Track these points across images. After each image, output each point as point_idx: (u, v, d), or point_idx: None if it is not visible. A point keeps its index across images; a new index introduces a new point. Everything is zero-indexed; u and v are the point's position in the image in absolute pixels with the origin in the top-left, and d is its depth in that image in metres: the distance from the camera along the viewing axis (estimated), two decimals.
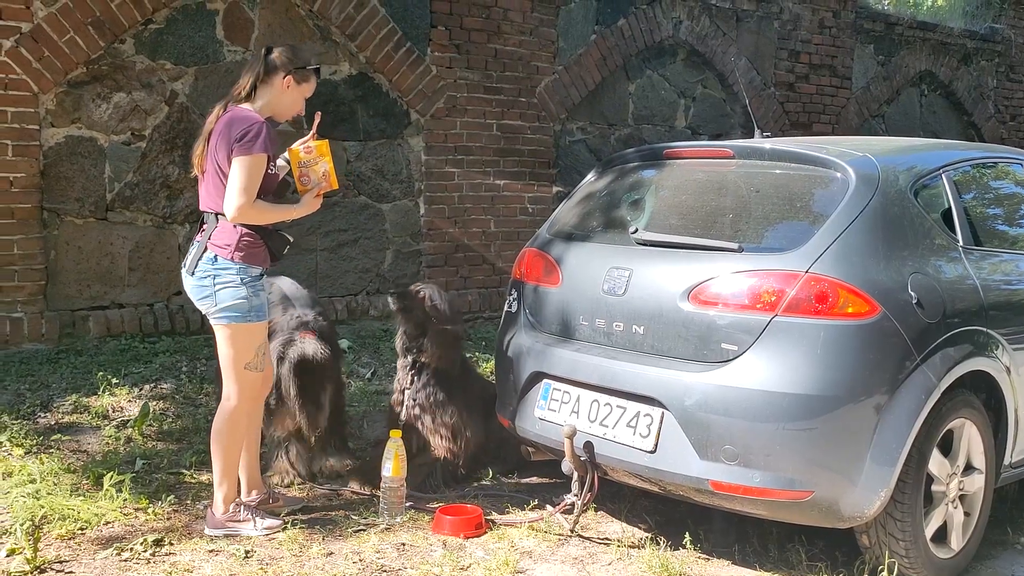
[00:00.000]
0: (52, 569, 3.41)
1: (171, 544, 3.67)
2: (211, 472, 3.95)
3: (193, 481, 4.37)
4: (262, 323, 3.76)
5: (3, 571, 3.34)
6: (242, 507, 3.78)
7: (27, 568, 3.36)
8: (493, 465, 4.61)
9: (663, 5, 8.64)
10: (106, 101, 6.17)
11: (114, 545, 3.60)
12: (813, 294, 3.29)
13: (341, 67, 7.06)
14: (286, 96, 3.80)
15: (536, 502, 4.20)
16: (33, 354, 5.77)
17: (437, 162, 7.54)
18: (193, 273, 3.67)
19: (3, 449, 4.48)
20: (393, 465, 3.98)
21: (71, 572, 3.40)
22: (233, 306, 3.66)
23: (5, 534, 3.64)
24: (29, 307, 5.92)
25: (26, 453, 4.47)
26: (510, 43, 7.81)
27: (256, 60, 3.80)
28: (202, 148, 3.72)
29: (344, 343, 6.79)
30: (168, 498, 4.09)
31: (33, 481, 4.10)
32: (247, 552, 3.60)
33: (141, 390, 5.57)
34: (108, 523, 3.84)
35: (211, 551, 3.62)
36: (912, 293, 3.37)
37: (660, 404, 3.51)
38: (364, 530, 3.89)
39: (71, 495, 4.02)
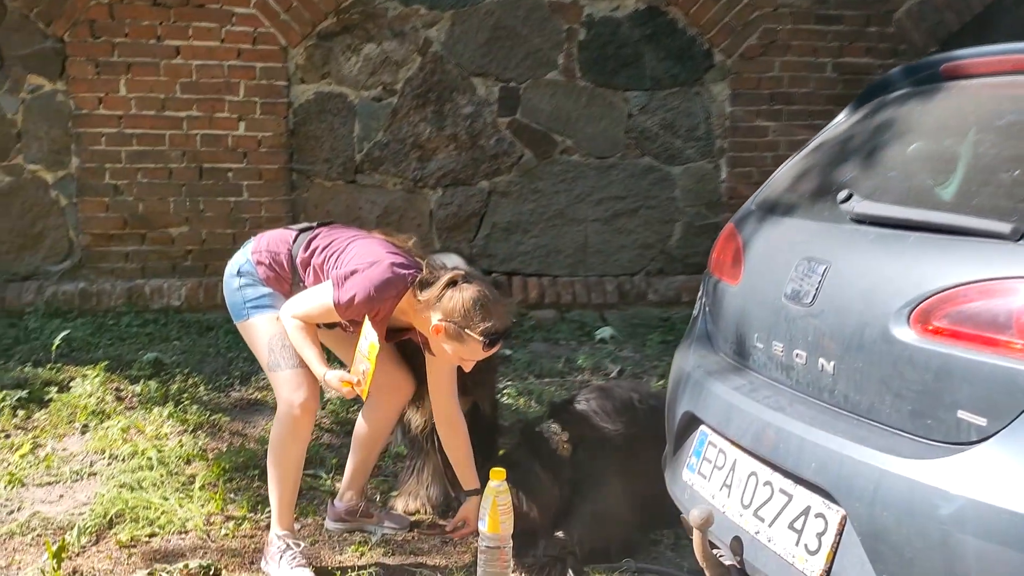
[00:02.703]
0: None
1: (220, 573, 2.98)
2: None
3: (325, 489, 3.67)
4: (268, 314, 3.00)
5: None
6: (286, 542, 2.96)
7: None
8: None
9: None
10: (356, 53, 5.72)
11: (158, 563, 3.00)
12: None
13: (625, 1, 5.90)
14: (461, 346, 2.84)
15: None
16: None
17: (746, 114, 6.08)
18: None
19: (158, 423, 4.16)
20: (491, 518, 2.89)
21: None
22: (230, 300, 3.05)
23: (69, 528, 3.21)
24: None
25: (181, 432, 4.11)
26: None
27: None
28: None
29: (606, 331, 5.75)
30: (266, 509, 3.43)
31: (144, 468, 3.69)
32: None
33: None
34: (183, 532, 3.27)
35: None
36: None
37: (838, 503, 2.01)
38: None
39: (173, 491, 3.52)
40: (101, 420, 4.19)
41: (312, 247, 2.96)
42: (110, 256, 5.63)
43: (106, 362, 4.79)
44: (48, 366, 4.75)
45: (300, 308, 2.87)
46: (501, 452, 3.79)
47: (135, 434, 4.06)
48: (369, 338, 2.81)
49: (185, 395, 4.52)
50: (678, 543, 3.24)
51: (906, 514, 1.85)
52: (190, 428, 4.15)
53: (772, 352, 2.38)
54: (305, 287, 2.96)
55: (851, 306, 2.12)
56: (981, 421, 1.81)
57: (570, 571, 2.94)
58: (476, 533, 3.05)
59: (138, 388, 4.56)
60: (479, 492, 3.14)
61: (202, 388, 4.65)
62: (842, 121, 2.89)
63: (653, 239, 6.15)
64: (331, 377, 2.85)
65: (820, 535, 2.05)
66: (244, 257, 3.02)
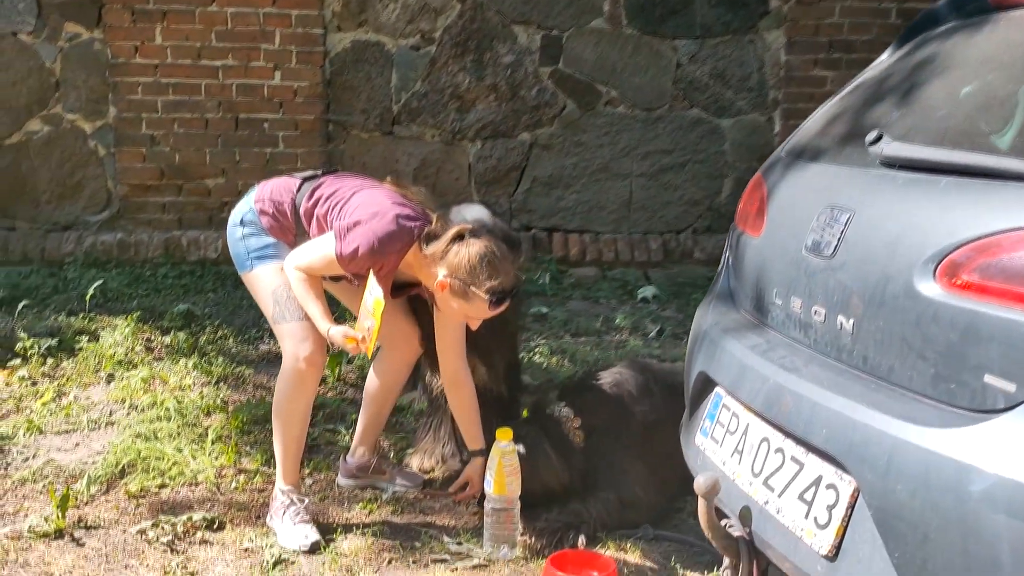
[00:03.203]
0: (70, 535, 2.86)
1: (223, 528, 2.93)
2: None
3: (342, 444, 3.59)
4: (271, 264, 2.88)
5: (28, 527, 2.87)
6: (290, 497, 2.89)
7: (47, 528, 2.85)
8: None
9: None
10: (394, 0, 5.55)
11: (163, 515, 2.96)
12: None
13: None
14: (467, 304, 2.72)
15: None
16: None
17: (803, 63, 5.77)
18: None
19: (182, 374, 4.13)
20: (497, 479, 2.77)
21: (84, 543, 2.82)
22: (234, 250, 2.97)
23: (80, 477, 3.19)
24: None
25: (204, 384, 4.08)
26: None
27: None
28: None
29: (648, 290, 5.55)
30: None
31: (161, 418, 3.65)
32: (277, 563, 2.72)
33: None
34: (193, 484, 3.22)
35: (245, 550, 2.80)
36: None
37: (850, 473, 1.83)
38: (447, 561, 2.76)
39: (188, 442, 3.48)
40: (127, 370, 4.17)
41: (316, 196, 2.84)
42: (147, 207, 5.63)
43: (139, 313, 4.78)
44: (81, 316, 4.76)
45: (303, 260, 2.76)
46: (524, 412, 3.67)
47: (158, 384, 4.04)
48: (374, 294, 2.69)
49: (212, 347, 4.49)
50: None
51: (922, 488, 1.66)
52: (213, 380, 4.11)
53: (791, 309, 2.18)
54: (309, 238, 2.85)
55: (874, 258, 1.92)
56: (1010, 387, 1.61)
57: (582, 537, 2.81)
58: (481, 495, 2.93)
59: (168, 339, 4.54)
60: (484, 453, 3.02)
61: (231, 340, 4.61)
62: (883, 61, 2.63)
63: (701, 195, 5.90)
64: (335, 333, 2.73)
65: (830, 508, 1.87)
66: (247, 206, 2.92)
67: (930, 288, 1.77)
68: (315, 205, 2.83)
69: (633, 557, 2.80)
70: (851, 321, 1.96)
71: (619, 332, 5.01)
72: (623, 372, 3.14)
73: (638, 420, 3.02)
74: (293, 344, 2.83)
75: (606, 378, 3.13)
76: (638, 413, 3.03)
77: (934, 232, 1.81)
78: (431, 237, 2.72)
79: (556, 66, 5.70)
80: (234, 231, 2.93)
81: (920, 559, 1.66)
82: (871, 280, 1.91)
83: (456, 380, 3.03)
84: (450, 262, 2.66)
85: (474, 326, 2.83)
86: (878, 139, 2.05)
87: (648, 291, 5.58)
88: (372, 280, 2.71)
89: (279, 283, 2.83)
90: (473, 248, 2.66)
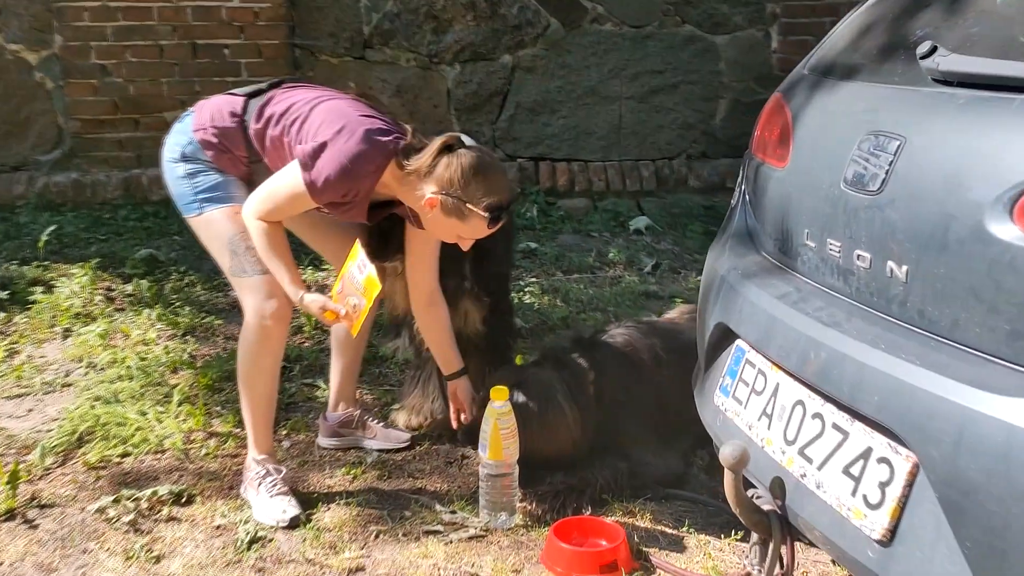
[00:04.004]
0: (22, 515, 2.59)
1: (192, 502, 2.67)
2: (360, 389, 3.18)
3: (323, 400, 3.32)
4: (226, 207, 2.52)
5: None
6: (265, 467, 2.62)
7: None
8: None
9: None
10: None
11: (126, 488, 2.69)
12: None
13: None
14: (461, 223, 2.41)
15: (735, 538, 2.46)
16: None
17: None
18: None
19: (146, 327, 3.82)
20: (493, 443, 2.51)
21: (38, 524, 2.55)
22: (176, 190, 2.57)
23: (34, 447, 2.91)
24: None
25: (169, 337, 3.78)
26: None
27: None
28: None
29: (642, 221, 5.27)
30: None
31: (123, 378, 3.36)
32: (252, 541, 2.46)
33: None
34: (159, 452, 2.95)
35: (217, 527, 2.55)
36: None
37: (908, 446, 1.57)
38: (440, 533, 2.52)
39: (153, 404, 3.20)
40: (85, 324, 3.87)
41: (266, 116, 2.47)
42: (103, 144, 5.24)
43: (97, 260, 4.46)
44: (35, 264, 4.43)
45: (264, 204, 2.42)
46: (519, 359, 3.41)
47: (119, 339, 3.74)
48: (366, 270, 2.38)
49: (178, 296, 4.19)
50: (712, 464, 2.84)
51: (1002, 467, 1.40)
52: (180, 332, 3.82)
53: (826, 252, 1.90)
54: (266, 167, 2.51)
55: (933, 194, 1.63)
56: None
57: (587, 502, 2.57)
58: (474, 424, 2.65)
59: (129, 288, 4.23)
60: (464, 373, 2.80)
61: (199, 287, 4.31)
62: None
63: (695, 118, 5.56)
64: (310, 303, 2.43)
65: (884, 485, 1.62)
66: (186, 137, 2.54)
67: (1006, 229, 1.49)
68: (266, 126, 2.47)
69: (642, 521, 2.56)
70: (904, 268, 1.68)
71: (613, 267, 4.74)
72: (634, 332, 2.86)
73: (652, 383, 2.75)
74: (256, 300, 2.53)
75: (618, 337, 2.86)
76: (652, 376, 2.76)
77: (1009, 163, 1.52)
78: (410, 151, 2.40)
79: None
80: (173, 169, 2.55)
81: (999, 549, 1.41)
82: (930, 220, 1.62)
83: (432, 300, 2.75)
84: (440, 176, 2.35)
85: (466, 247, 2.52)
86: (932, 51, 1.74)
87: (641, 222, 5.29)
88: (361, 253, 2.42)
89: (235, 230, 2.49)
90: (466, 159, 2.34)
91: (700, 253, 4.96)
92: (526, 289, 4.36)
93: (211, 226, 2.52)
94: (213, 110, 2.53)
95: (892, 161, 1.73)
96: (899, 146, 1.73)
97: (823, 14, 5.44)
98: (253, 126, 2.48)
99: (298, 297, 2.43)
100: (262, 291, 2.51)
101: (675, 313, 3.31)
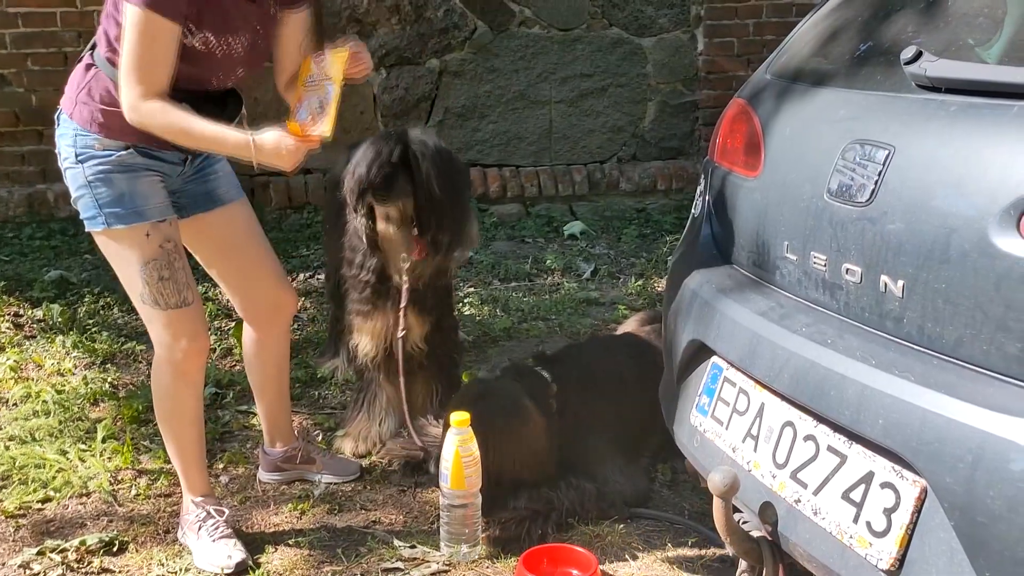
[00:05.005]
0: None
1: (124, 550, 2.45)
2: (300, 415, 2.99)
3: (260, 428, 3.10)
4: (137, 226, 2.21)
5: None
6: (205, 509, 2.42)
7: None
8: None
9: None
10: None
11: (50, 539, 2.46)
12: None
13: None
14: None
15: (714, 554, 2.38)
16: None
17: None
18: None
19: (60, 356, 3.55)
20: (454, 472, 2.37)
21: None
22: (78, 200, 2.24)
23: None
24: None
25: (87, 365, 3.52)
26: None
27: None
28: None
29: (576, 226, 5.19)
30: None
31: (39, 414, 3.10)
32: None
33: (295, 279, 4.46)
34: (84, 495, 2.72)
35: None
36: None
37: (916, 471, 1.50)
38: (400, 570, 2.36)
39: (73, 442, 2.95)
40: None
41: (101, 29, 2.18)
42: (4, 158, 4.88)
43: (2, 283, 4.14)
44: None
45: (133, 75, 2.04)
46: (465, 376, 3.27)
47: (32, 370, 3.47)
48: (325, 55, 2.16)
49: (94, 320, 3.91)
50: (676, 480, 2.76)
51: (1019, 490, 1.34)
52: (99, 360, 3.56)
53: (810, 266, 1.83)
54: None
55: (929, 205, 1.57)
56: None
57: (553, 528, 2.46)
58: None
59: (39, 313, 3.93)
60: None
61: (116, 310, 4.03)
62: None
63: (624, 121, 5.51)
64: (266, 141, 2.08)
65: (889, 512, 1.54)
66: (69, 129, 2.20)
67: (1013, 243, 1.43)
68: (107, 36, 2.15)
69: (611, 541, 2.46)
70: (900, 283, 1.61)
71: (550, 274, 4.64)
72: (598, 346, 2.77)
73: (614, 398, 2.65)
74: (168, 338, 2.29)
75: (582, 352, 2.76)
76: (614, 392, 2.66)
77: (1013, 173, 1.46)
78: None
79: None
80: (74, 176, 2.21)
81: None
82: (927, 232, 1.56)
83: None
84: None
85: None
86: (916, 57, 1.68)
87: (575, 227, 5.21)
88: (315, 56, 2.17)
89: (149, 255, 2.20)
90: None
91: (636, 257, 4.92)
92: (465, 300, 4.22)
93: (120, 245, 2.23)
94: (70, 83, 2.24)
95: (881, 171, 1.66)
96: (887, 155, 1.66)
97: (746, 16, 5.46)
98: (102, 52, 2.17)
99: (246, 141, 2.08)
100: (175, 328, 2.28)
101: (632, 324, 3.22)
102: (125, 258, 2.24)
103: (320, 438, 3.06)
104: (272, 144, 2.09)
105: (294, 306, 2.66)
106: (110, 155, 2.18)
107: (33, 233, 4.76)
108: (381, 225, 2.80)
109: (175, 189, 2.34)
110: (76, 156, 2.20)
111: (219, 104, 2.25)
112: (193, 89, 2.17)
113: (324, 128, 2.13)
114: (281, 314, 2.61)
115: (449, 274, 3.14)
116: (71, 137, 2.20)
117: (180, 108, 2.09)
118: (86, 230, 2.28)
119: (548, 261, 4.73)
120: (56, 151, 2.26)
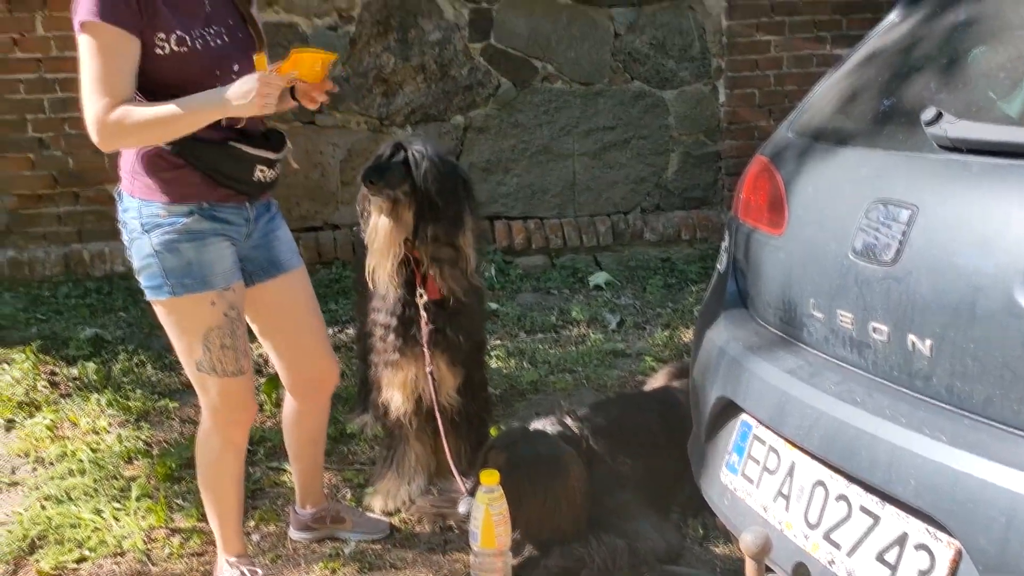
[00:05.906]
0: None
1: None
2: (329, 471, 2.98)
3: (291, 486, 3.13)
4: (202, 295, 2.24)
5: None
6: (240, 569, 2.44)
7: None
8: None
9: None
10: None
11: None
12: None
13: None
14: None
15: None
16: None
17: (744, 28, 5.46)
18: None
19: (95, 415, 3.61)
20: (484, 530, 2.38)
21: None
22: (143, 271, 2.24)
23: None
24: None
25: (121, 424, 3.57)
26: None
27: None
28: None
29: (601, 277, 5.21)
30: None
31: (75, 473, 3.15)
32: None
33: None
34: (118, 555, 2.74)
35: None
36: None
37: (949, 532, 1.50)
38: None
39: (108, 501, 2.99)
40: (30, 414, 3.63)
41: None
42: (41, 219, 5.00)
43: (39, 342, 4.21)
44: None
45: (94, 93, 2.03)
46: (493, 430, 3.28)
47: (67, 429, 3.52)
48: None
49: (128, 378, 3.96)
50: (709, 536, 2.75)
51: None
52: (132, 418, 3.60)
53: (837, 324, 1.84)
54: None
55: (955, 265, 1.58)
56: None
57: None
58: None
59: (75, 371, 4.00)
60: None
61: (149, 367, 4.09)
62: (897, 22, 2.30)
63: (647, 172, 5.56)
64: (233, 86, 2.02)
65: (924, 574, 1.54)
66: (133, 203, 2.20)
67: None
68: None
69: None
70: (927, 342, 1.62)
71: (576, 325, 4.65)
72: (629, 403, 2.78)
73: (645, 453, 2.66)
74: (218, 404, 2.33)
75: (612, 408, 2.77)
76: (645, 446, 2.67)
77: None
78: None
79: (487, 41, 5.26)
80: (140, 246, 2.21)
81: None
82: (955, 292, 1.57)
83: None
84: None
85: None
86: (937, 118, 1.71)
87: (600, 278, 5.23)
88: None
89: (212, 323, 2.24)
90: None
91: (662, 307, 4.93)
92: (492, 352, 4.24)
93: (182, 314, 2.26)
94: (122, 167, 2.25)
95: (905, 231, 1.68)
96: (911, 215, 1.68)
97: (766, 68, 5.52)
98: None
99: (218, 100, 2.04)
100: (228, 396, 2.32)
101: (662, 378, 3.23)
102: (186, 327, 2.25)
103: (349, 495, 3.08)
104: (238, 85, 2.04)
105: (336, 380, 2.68)
106: (176, 222, 2.18)
107: (69, 292, 4.85)
108: (381, 222, 2.82)
109: (243, 256, 2.34)
110: (142, 227, 2.19)
111: (263, 137, 2.30)
112: (231, 126, 2.20)
113: (322, 68, 2.15)
114: (324, 387, 2.65)
115: (480, 331, 3.17)
116: (136, 210, 2.20)
117: (141, 104, 2.06)
118: (148, 298, 2.28)
119: (574, 312, 4.75)
120: (120, 226, 2.25)
